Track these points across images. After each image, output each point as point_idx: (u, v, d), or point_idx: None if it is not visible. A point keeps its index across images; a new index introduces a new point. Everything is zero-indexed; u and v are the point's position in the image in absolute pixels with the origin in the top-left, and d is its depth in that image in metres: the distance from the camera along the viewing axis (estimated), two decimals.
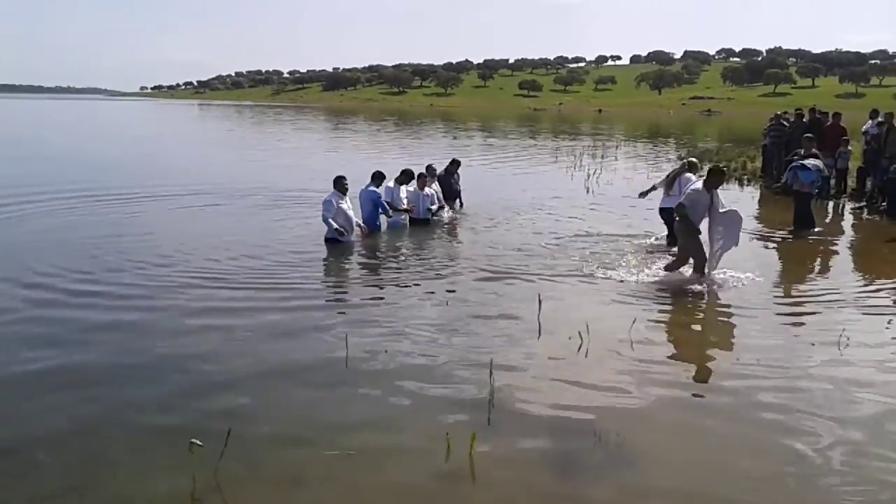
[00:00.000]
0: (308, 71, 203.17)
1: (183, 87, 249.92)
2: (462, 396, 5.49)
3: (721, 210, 8.71)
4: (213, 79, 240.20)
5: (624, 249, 10.60)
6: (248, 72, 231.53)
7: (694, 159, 11.69)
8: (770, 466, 4.57)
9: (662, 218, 11.01)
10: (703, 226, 8.83)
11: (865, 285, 8.83)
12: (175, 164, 23.01)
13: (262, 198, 15.39)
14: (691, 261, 8.79)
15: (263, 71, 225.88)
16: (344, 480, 4.39)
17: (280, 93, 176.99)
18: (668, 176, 11.13)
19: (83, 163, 23.42)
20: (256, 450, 4.69)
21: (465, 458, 4.55)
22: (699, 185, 8.87)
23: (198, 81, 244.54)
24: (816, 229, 12.03)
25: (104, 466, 4.52)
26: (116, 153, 27.69)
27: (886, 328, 7.24)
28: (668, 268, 8.97)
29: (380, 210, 11.75)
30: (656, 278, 8.83)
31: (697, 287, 8.55)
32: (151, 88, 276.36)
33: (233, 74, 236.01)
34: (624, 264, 9.58)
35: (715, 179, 8.81)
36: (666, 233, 10.88)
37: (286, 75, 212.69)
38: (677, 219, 8.90)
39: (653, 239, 11.21)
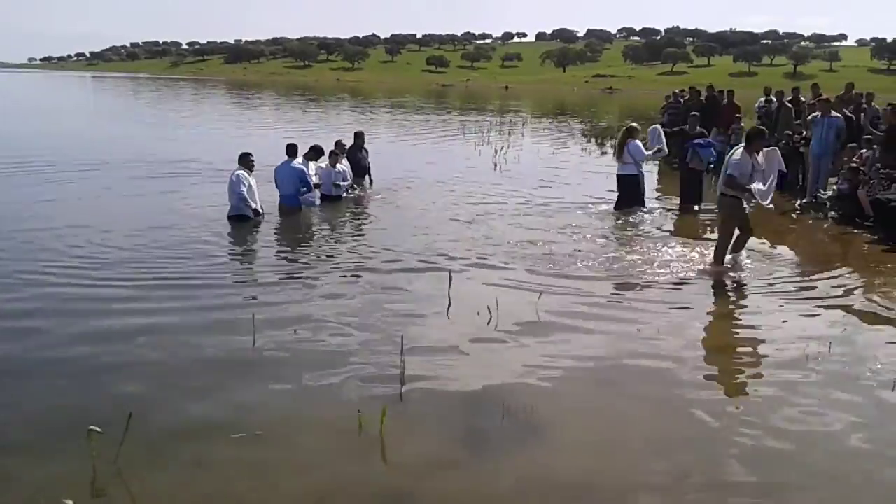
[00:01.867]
0: (209, 42, 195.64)
1: (75, 58, 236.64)
2: (374, 374, 5.48)
3: (762, 168, 8.48)
4: (106, 50, 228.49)
5: (528, 223, 10.78)
6: (145, 42, 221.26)
7: (634, 124, 12.38)
8: (674, 436, 4.77)
9: (618, 185, 11.94)
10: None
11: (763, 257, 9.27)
12: (69, 138, 21.83)
13: (164, 170, 14.83)
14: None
15: (161, 42, 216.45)
16: (251, 461, 4.31)
17: (179, 65, 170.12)
18: (617, 145, 11.96)
19: None
20: (159, 435, 4.55)
21: (376, 434, 4.54)
22: (740, 151, 8.44)
23: (90, 53, 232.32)
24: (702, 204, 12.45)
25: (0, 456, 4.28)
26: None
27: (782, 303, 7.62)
28: (715, 259, 8.51)
29: (303, 187, 11.42)
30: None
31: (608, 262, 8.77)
32: (41, 60, 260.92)
33: (128, 45, 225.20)
34: (537, 241, 9.74)
35: (758, 142, 8.48)
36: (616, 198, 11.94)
37: (185, 47, 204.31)
38: (719, 195, 8.57)
39: (601, 207, 11.99)
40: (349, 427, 4.64)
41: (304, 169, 11.41)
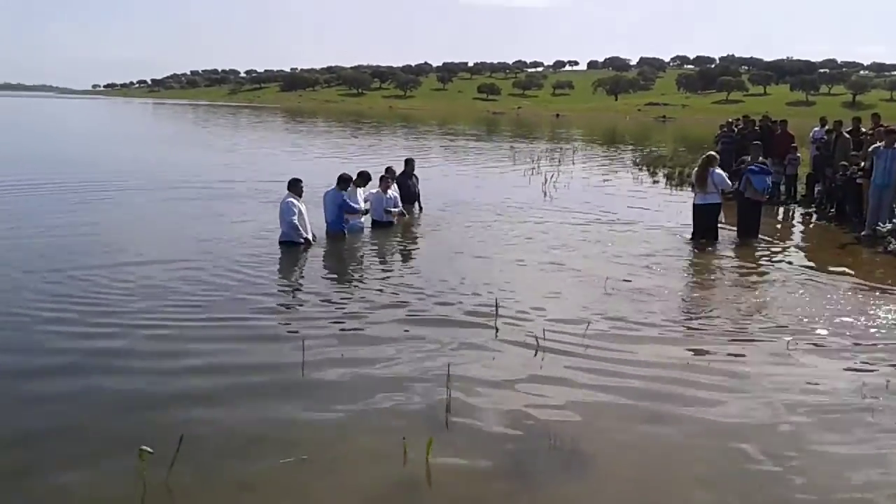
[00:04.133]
0: (265, 71, 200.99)
1: (137, 84, 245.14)
2: (420, 402, 5.48)
3: None
4: (167, 77, 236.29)
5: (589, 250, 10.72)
6: (204, 70, 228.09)
7: (713, 152, 12.41)
8: (719, 469, 4.65)
9: (695, 215, 11.83)
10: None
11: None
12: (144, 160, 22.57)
13: (223, 193, 15.19)
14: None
15: (220, 70, 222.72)
16: (296, 486, 4.34)
17: (237, 92, 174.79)
18: (695, 176, 11.99)
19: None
20: (208, 457, 4.61)
21: (421, 464, 4.54)
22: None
23: (152, 80, 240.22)
24: (759, 236, 12.22)
25: (53, 472, 4.39)
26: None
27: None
28: None
29: (346, 213, 11.59)
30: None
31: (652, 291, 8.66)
32: (104, 86, 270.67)
33: (188, 73, 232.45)
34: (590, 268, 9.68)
35: None
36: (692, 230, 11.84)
37: (243, 75, 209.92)
38: None
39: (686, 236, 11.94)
40: (394, 454, 4.64)
41: (344, 195, 11.54)
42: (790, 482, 4.48)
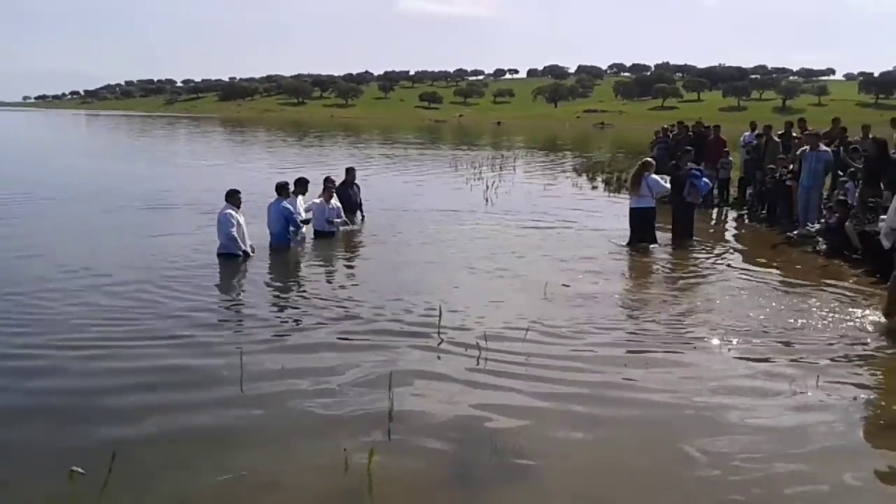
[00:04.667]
0: (203, 80, 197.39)
1: (69, 96, 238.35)
2: (361, 412, 5.43)
3: None
4: (100, 88, 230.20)
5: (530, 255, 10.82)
6: (139, 80, 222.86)
7: (649, 159, 12.67)
8: (661, 469, 4.73)
9: (631, 219, 11.97)
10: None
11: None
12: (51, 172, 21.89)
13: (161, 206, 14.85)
14: None
15: (155, 80, 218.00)
16: (236, 503, 4.26)
17: (173, 102, 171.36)
18: (630, 180, 12.19)
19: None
20: (143, 476, 4.49)
21: (363, 475, 4.50)
22: None
23: (84, 91, 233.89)
24: (694, 238, 12.55)
25: None
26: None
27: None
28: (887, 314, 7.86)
29: (290, 226, 11.43)
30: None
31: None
32: (35, 98, 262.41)
33: (122, 83, 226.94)
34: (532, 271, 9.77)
35: None
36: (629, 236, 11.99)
37: (179, 84, 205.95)
38: None
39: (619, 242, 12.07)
40: (336, 466, 4.59)
41: (290, 208, 11.40)
42: (728, 481, 4.58)
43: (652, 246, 11.86)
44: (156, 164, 28.51)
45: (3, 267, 9.79)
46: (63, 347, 6.71)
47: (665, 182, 12.10)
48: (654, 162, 12.50)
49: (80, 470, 4.18)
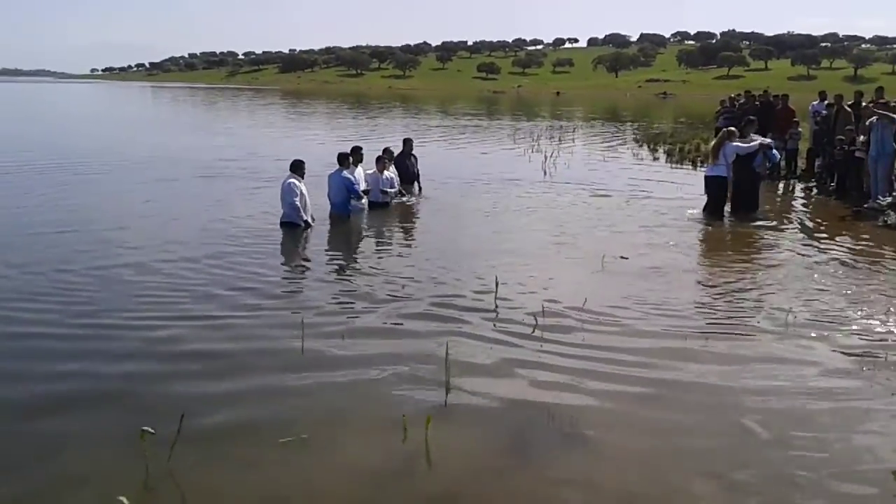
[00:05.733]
0: (263, 52, 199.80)
1: (135, 68, 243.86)
2: (419, 381, 5.51)
3: None
4: (165, 60, 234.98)
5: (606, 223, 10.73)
6: (202, 53, 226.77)
7: (733, 128, 12.39)
8: (719, 446, 4.69)
9: (707, 187, 11.90)
10: None
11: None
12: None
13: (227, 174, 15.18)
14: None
15: (218, 52, 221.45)
16: (298, 465, 4.39)
17: (235, 74, 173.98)
18: (712, 147, 12.05)
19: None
20: (210, 436, 4.66)
21: (420, 441, 4.57)
22: None
23: (150, 63, 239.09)
24: (761, 211, 12.27)
25: (52, 452, 4.44)
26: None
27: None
28: None
29: (352, 196, 11.57)
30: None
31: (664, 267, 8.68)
32: (102, 70, 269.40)
33: (186, 56, 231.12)
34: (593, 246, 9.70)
35: None
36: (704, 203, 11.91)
37: (241, 57, 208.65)
38: None
39: (691, 211, 12.04)
40: (394, 432, 4.68)
41: (352, 178, 11.51)
42: (794, 458, 4.51)
43: (720, 217, 11.65)
44: (219, 134, 29.01)
45: (63, 241, 10.05)
46: (134, 316, 6.96)
47: (749, 143, 11.92)
48: (737, 132, 12.21)
49: (150, 430, 4.35)
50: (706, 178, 12.04)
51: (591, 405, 5.18)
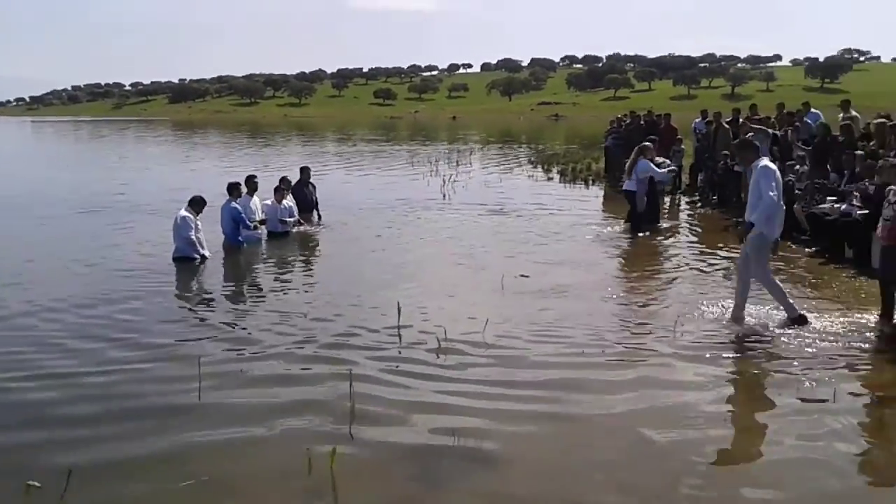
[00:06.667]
0: (152, 82, 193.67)
1: (14, 103, 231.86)
2: (323, 413, 5.41)
3: None
4: (47, 94, 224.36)
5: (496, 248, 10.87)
6: (86, 85, 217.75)
7: (647, 143, 12.93)
8: (621, 457, 4.81)
9: (628, 200, 12.50)
10: None
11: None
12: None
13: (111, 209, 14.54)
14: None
15: (103, 84, 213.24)
16: None
17: (122, 106, 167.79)
18: (628, 164, 12.66)
19: None
20: (102, 487, 4.42)
21: (326, 475, 4.48)
22: None
23: (30, 97, 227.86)
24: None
25: None
26: None
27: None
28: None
29: (241, 226, 11.38)
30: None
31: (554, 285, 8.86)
32: None
33: (69, 88, 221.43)
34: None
35: None
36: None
37: (128, 88, 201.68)
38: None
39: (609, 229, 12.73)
40: (299, 468, 4.57)
41: (240, 209, 11.38)
42: (688, 466, 4.67)
43: (624, 229, 12.41)
44: (105, 169, 27.85)
45: None
46: (15, 367, 6.55)
47: (662, 170, 12.88)
48: (650, 146, 12.79)
49: (36, 483, 4.09)
50: (624, 192, 12.69)
51: (494, 427, 5.19)
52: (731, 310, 7.50)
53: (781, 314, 7.32)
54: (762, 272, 7.33)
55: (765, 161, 7.44)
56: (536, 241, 11.78)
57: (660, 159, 13.51)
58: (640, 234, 12.11)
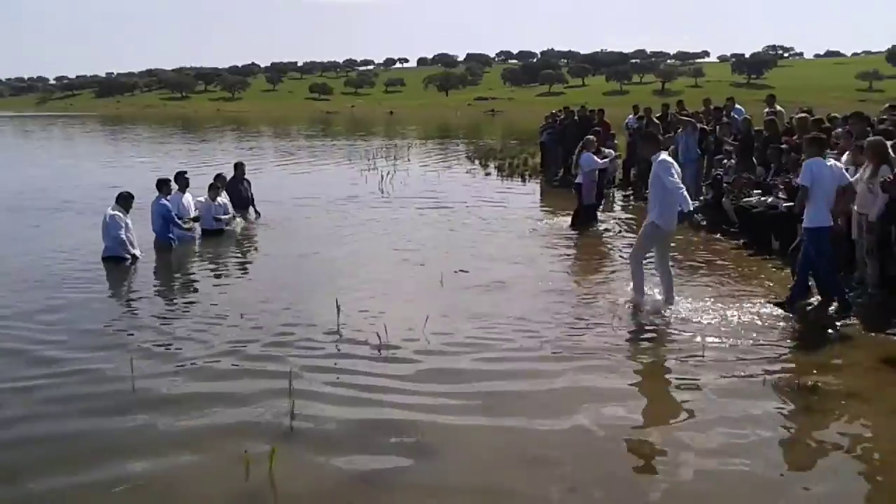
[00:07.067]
0: (78, 77, 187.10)
1: None
2: (262, 412, 5.35)
3: None
4: None
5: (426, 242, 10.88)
6: (7, 79, 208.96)
7: (589, 136, 13.06)
8: (562, 453, 4.89)
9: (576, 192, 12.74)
10: None
11: None
12: None
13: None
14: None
15: (26, 78, 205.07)
16: None
17: (46, 101, 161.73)
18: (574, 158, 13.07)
19: None
20: (34, 494, 4.27)
21: (265, 477, 4.43)
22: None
23: None
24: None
25: None
26: None
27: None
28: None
29: (171, 224, 11.11)
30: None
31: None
32: None
33: None
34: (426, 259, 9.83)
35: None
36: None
37: (52, 82, 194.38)
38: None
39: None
40: (237, 470, 4.50)
41: (168, 206, 11.13)
42: (629, 459, 4.78)
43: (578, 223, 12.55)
44: (30, 166, 26.81)
45: None
46: None
47: (599, 160, 12.84)
48: (593, 139, 12.93)
49: None
50: (575, 185, 12.93)
51: (435, 421, 5.22)
52: (664, 299, 7.77)
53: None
54: (638, 253, 8.08)
55: (663, 155, 8.01)
56: (475, 236, 11.86)
57: (605, 150, 13.78)
58: (589, 228, 12.33)
